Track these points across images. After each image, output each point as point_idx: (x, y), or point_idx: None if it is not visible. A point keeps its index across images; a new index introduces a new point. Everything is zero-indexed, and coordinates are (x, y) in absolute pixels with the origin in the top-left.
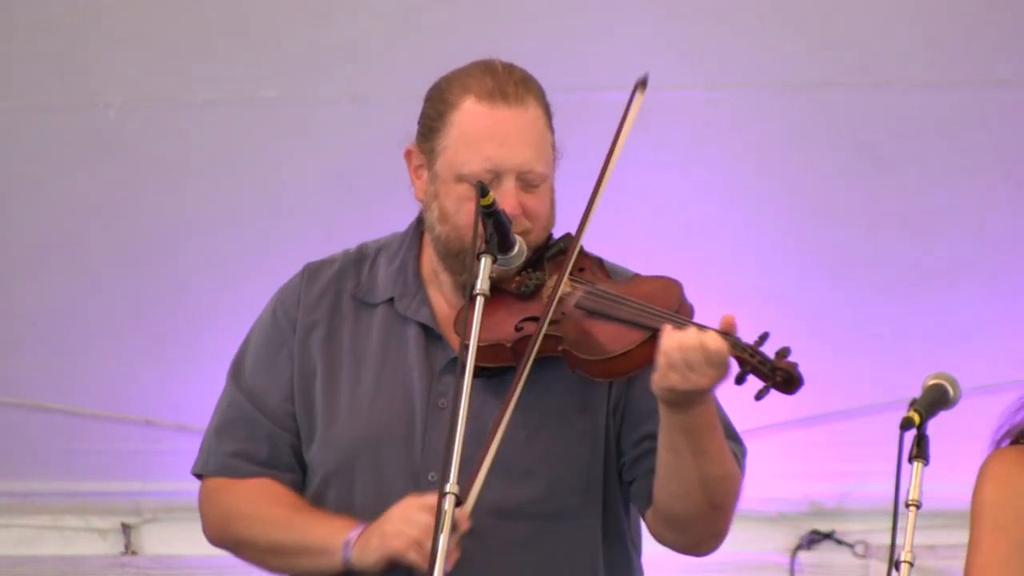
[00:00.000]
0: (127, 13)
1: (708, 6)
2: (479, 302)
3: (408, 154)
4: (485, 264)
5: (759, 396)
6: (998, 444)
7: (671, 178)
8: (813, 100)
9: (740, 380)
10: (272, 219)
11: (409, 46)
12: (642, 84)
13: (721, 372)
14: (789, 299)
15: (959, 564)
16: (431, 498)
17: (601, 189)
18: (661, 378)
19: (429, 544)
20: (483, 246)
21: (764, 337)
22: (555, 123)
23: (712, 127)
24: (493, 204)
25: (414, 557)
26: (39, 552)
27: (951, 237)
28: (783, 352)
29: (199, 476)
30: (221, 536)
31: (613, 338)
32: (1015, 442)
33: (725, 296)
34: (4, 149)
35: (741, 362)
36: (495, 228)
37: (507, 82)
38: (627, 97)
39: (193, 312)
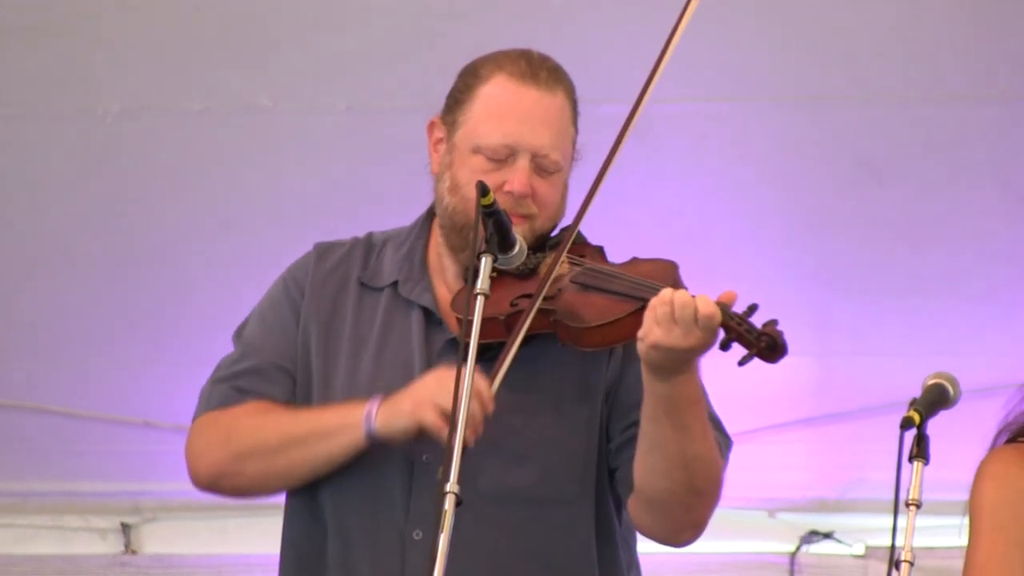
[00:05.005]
0: (126, 21)
1: (706, 20)
2: (479, 301)
3: (431, 126)
4: (485, 264)
5: (742, 362)
6: (995, 442)
7: (670, 188)
8: (811, 114)
9: (725, 346)
10: (268, 226)
11: (405, 57)
12: None
13: (707, 336)
14: (788, 307)
15: (958, 564)
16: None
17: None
18: (646, 333)
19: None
20: (483, 246)
21: (753, 308)
22: None
23: (711, 140)
24: (493, 204)
25: (445, 432)
26: (39, 551)
27: (949, 247)
28: (771, 323)
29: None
30: (220, 459)
31: (604, 308)
32: (1011, 440)
33: None
34: (3, 155)
35: (727, 329)
36: (495, 228)
37: (540, 67)
38: (625, 110)
39: (191, 316)
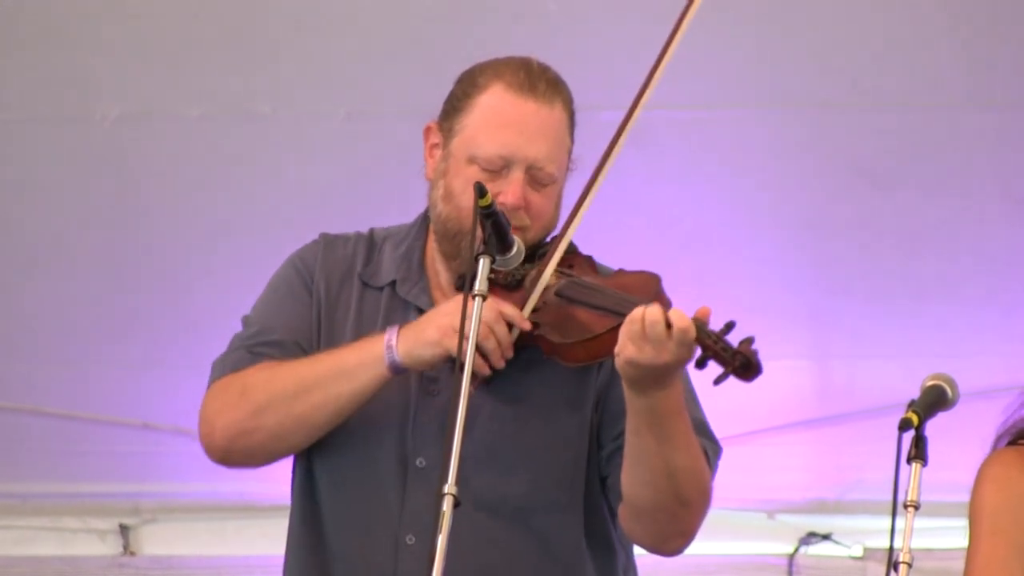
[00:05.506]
0: (125, 26)
1: (706, 27)
2: (477, 303)
3: (427, 131)
4: (484, 265)
5: (717, 381)
6: (995, 445)
7: (668, 194)
8: (809, 120)
9: (701, 364)
10: (267, 230)
11: (403, 63)
12: None
13: (681, 352)
14: (787, 310)
15: (957, 565)
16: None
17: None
18: (621, 348)
19: (486, 344)
20: (482, 247)
21: (730, 326)
22: None
23: (709, 146)
24: (492, 205)
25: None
26: (38, 552)
27: (947, 251)
28: (747, 341)
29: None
30: (236, 417)
31: (586, 323)
32: (1012, 443)
33: (724, 308)
34: (3, 159)
35: (704, 347)
36: (493, 229)
37: (539, 79)
38: (625, 116)
39: (190, 319)
